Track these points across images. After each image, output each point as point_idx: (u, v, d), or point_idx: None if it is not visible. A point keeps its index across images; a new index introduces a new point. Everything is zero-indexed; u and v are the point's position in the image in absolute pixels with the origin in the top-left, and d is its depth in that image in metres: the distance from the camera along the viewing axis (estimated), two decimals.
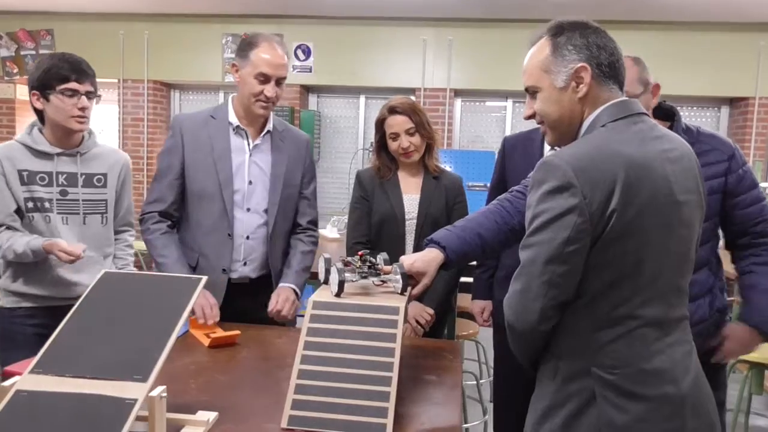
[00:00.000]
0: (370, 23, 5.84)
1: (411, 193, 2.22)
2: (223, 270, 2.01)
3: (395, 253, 1.92)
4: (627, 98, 1.27)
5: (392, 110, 2.17)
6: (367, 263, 1.51)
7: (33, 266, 1.97)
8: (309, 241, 2.17)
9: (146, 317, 1.15)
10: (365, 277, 1.48)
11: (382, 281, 1.50)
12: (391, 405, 1.24)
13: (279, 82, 1.96)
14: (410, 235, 2.19)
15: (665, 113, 1.75)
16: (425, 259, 1.54)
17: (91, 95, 1.97)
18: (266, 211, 2.05)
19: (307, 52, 5.94)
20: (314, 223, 2.20)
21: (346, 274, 1.43)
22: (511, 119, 6.18)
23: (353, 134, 6.34)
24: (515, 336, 1.27)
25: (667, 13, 5.31)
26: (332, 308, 1.38)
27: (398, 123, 2.15)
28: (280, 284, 2.05)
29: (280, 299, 1.99)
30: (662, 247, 1.17)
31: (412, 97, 6.16)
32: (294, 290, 2.04)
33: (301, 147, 2.15)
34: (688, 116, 5.92)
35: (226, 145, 2.01)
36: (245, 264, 2.04)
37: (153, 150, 6.26)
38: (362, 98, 6.30)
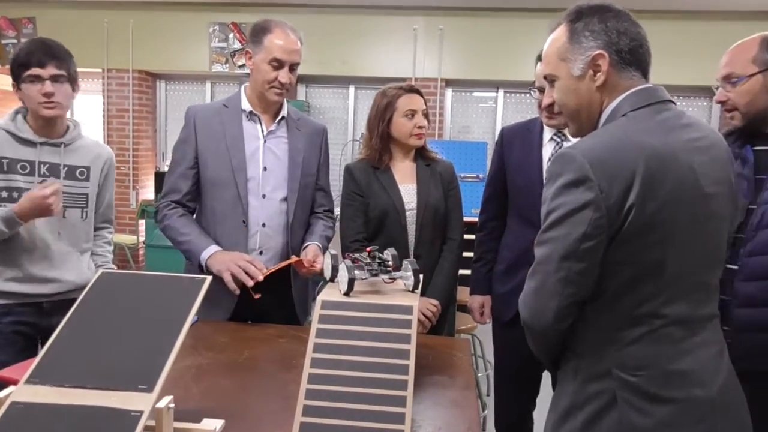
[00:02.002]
0: (359, 12, 5.75)
1: (407, 183, 2.16)
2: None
3: (398, 246, 1.86)
4: (651, 85, 1.20)
5: (411, 89, 2.14)
6: (377, 260, 1.44)
7: (4, 262, 1.88)
8: (330, 222, 2.15)
9: (148, 320, 1.08)
10: (375, 275, 1.41)
11: (392, 278, 1.44)
12: (408, 410, 1.18)
13: (293, 67, 1.94)
14: (412, 226, 2.13)
15: None
16: None
17: (59, 79, 1.87)
18: (286, 199, 2.01)
19: None
20: (332, 213, 2.18)
21: (356, 272, 1.37)
22: (501, 110, 6.14)
23: (342, 125, 6.26)
24: (532, 335, 1.23)
25: (657, 3, 5.28)
26: (342, 308, 1.31)
27: (417, 102, 2.12)
28: (305, 243, 2.03)
29: (309, 254, 1.97)
30: (687, 243, 1.11)
31: None
32: (320, 248, 2.02)
33: (317, 137, 2.13)
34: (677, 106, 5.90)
35: (239, 131, 1.98)
36: (261, 253, 1.99)
37: (139, 142, 6.14)
38: (352, 88, 6.22)
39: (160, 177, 5.97)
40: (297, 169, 2.02)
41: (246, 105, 1.99)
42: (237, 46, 5.89)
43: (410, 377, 1.22)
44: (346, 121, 6.27)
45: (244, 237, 1.95)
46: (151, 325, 1.07)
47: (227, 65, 5.93)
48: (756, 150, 1.59)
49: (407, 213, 2.12)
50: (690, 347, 1.12)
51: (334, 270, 1.46)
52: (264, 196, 1.98)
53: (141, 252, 6.09)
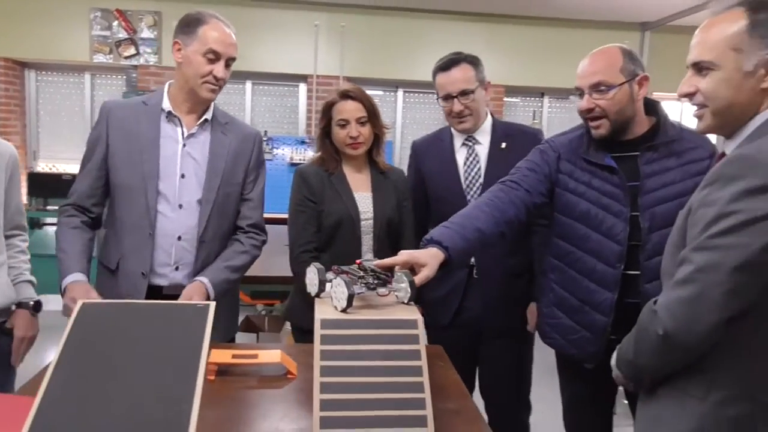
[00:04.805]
0: (258, 5, 5.53)
1: (361, 191, 2.08)
2: (142, 274, 1.78)
3: (351, 256, 1.79)
4: None
5: (345, 95, 2.01)
6: (369, 272, 1.37)
7: None
8: (249, 243, 1.92)
9: (155, 360, 0.93)
10: (373, 288, 1.34)
11: (388, 291, 1.37)
12: (431, 431, 1.13)
13: (228, 62, 1.81)
14: (366, 236, 2.05)
15: (650, 107, 1.72)
16: (427, 253, 1.43)
17: None
18: (199, 207, 1.83)
19: None
20: (258, 228, 1.97)
21: (354, 287, 1.29)
22: (401, 110, 6.20)
23: None
24: (670, 348, 1.12)
25: (551, 10, 5.60)
26: (343, 326, 1.23)
27: (349, 109, 2.00)
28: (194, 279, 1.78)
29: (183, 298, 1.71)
30: None
31: (303, 84, 5.99)
32: (204, 286, 1.76)
33: (246, 143, 1.94)
34: (569, 107, 6.33)
35: (155, 133, 1.81)
36: (177, 269, 1.82)
37: (6, 138, 5.37)
38: (249, 84, 5.97)
39: (33, 178, 5.37)
40: (215, 177, 1.84)
41: (166, 104, 1.82)
42: (122, 35, 5.41)
43: (427, 395, 1.17)
44: (242, 118, 5.99)
45: (150, 251, 1.79)
46: (160, 365, 0.92)
47: (111, 56, 5.43)
48: (615, 157, 1.66)
49: (362, 223, 2.04)
50: None
51: (322, 285, 1.37)
52: (181, 206, 1.81)
53: None
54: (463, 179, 2.11)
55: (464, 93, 2.04)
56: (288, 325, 3.30)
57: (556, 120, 6.27)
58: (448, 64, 2.06)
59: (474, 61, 2.07)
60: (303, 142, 5.42)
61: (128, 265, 1.79)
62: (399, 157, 6.16)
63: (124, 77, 5.60)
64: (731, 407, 1.08)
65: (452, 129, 2.17)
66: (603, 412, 1.87)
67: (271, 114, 6.06)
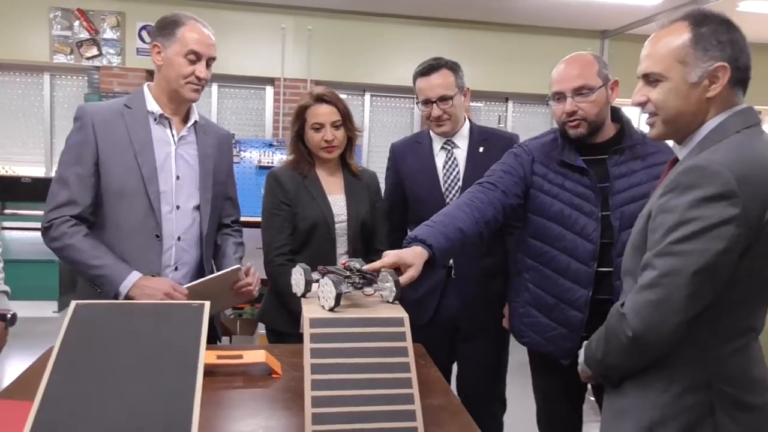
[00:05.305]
0: (225, 7, 5.50)
1: (335, 193, 2.10)
2: (152, 276, 1.76)
3: (326, 259, 1.81)
4: (749, 106, 1.21)
5: (319, 98, 2.03)
6: (355, 272, 1.40)
7: None
8: (239, 234, 2.05)
9: (153, 359, 0.94)
10: (360, 288, 1.37)
11: (374, 290, 1.40)
12: (419, 425, 1.17)
13: (209, 62, 1.83)
14: (341, 238, 2.08)
15: (613, 113, 1.79)
16: (412, 253, 1.46)
17: None
18: (198, 209, 1.86)
19: None
20: (240, 224, 2.06)
21: (342, 286, 1.31)
22: (369, 113, 6.24)
23: None
24: (639, 349, 1.18)
25: (515, 17, 5.73)
26: (332, 325, 1.26)
27: (324, 113, 2.02)
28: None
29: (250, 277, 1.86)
30: None
31: (270, 87, 5.97)
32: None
33: (224, 143, 2.00)
34: (533, 111, 6.48)
35: (147, 136, 1.80)
36: (176, 269, 1.83)
37: None
38: (215, 87, 5.91)
39: None
40: (208, 177, 1.88)
41: (154, 107, 1.81)
42: (84, 35, 5.29)
43: (415, 391, 1.21)
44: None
45: (158, 252, 1.79)
46: (158, 365, 0.93)
47: (72, 56, 5.31)
48: (585, 160, 1.74)
49: (337, 225, 2.07)
50: (760, 355, 1.19)
51: (308, 285, 1.39)
52: (178, 207, 1.82)
53: None
54: (442, 182, 2.15)
55: (443, 98, 2.07)
56: (260, 328, 3.30)
57: (520, 124, 6.40)
58: (428, 70, 2.09)
59: (454, 67, 2.10)
60: (271, 145, 5.41)
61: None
62: (367, 161, 6.20)
63: (86, 78, 5.48)
64: (691, 396, 1.16)
65: (431, 132, 2.21)
66: (575, 407, 1.94)
67: (238, 117, 6.02)
